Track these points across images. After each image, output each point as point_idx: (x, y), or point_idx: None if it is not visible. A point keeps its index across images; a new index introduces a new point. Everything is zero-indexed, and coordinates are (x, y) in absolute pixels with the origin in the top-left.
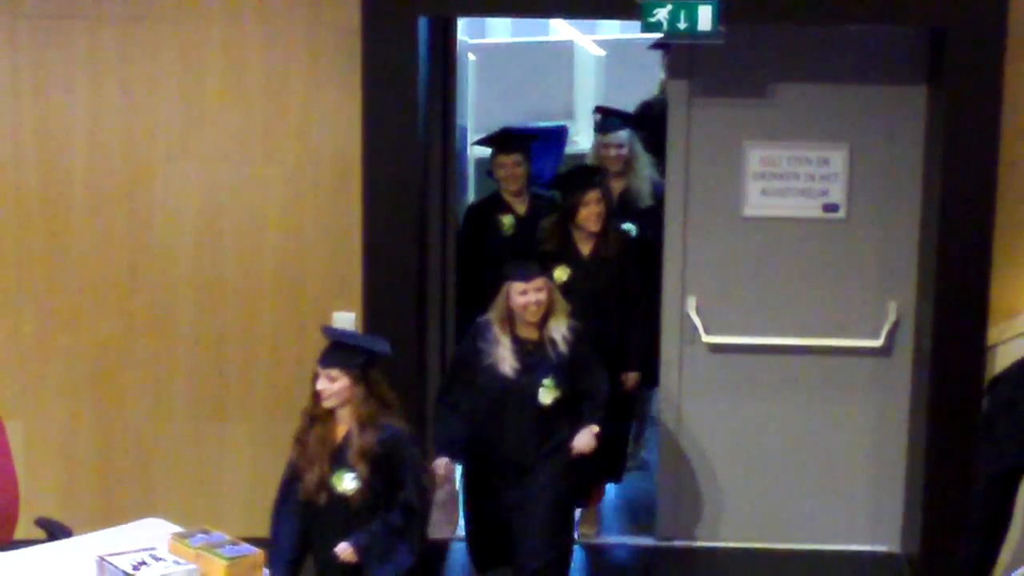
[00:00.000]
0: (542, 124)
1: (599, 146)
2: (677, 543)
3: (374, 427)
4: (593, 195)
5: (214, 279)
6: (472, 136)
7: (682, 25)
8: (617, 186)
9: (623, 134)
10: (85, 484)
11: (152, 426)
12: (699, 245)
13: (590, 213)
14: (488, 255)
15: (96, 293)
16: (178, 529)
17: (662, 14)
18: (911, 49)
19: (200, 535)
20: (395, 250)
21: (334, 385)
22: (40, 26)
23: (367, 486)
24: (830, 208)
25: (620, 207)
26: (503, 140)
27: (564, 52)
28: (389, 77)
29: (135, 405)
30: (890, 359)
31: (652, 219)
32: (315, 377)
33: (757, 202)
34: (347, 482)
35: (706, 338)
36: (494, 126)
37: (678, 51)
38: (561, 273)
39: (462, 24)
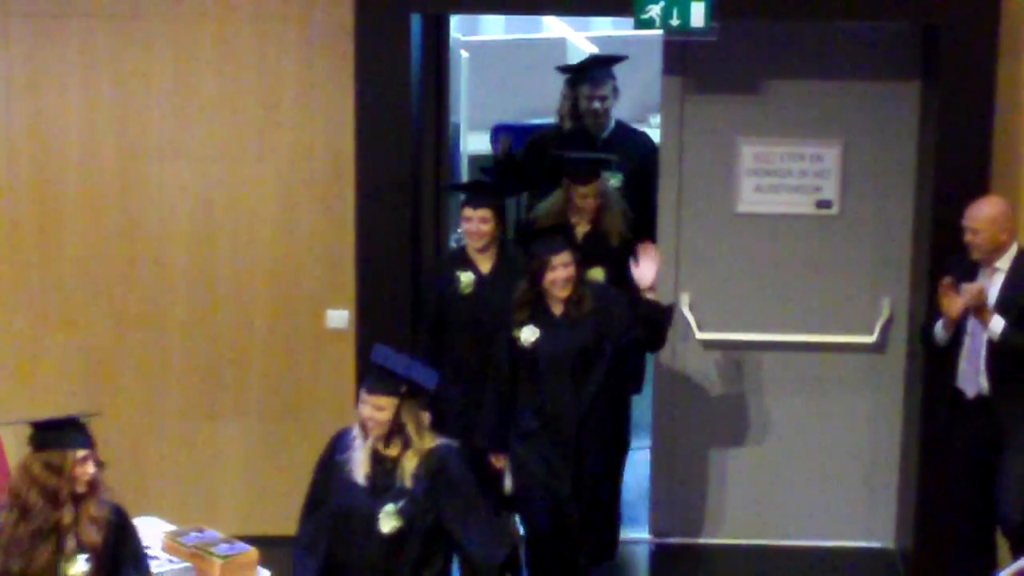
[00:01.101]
0: (535, 121)
1: (573, 195)
2: (671, 540)
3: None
4: (560, 259)
5: (207, 277)
6: (465, 133)
7: (675, 21)
8: (583, 228)
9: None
10: None
11: (146, 425)
12: (692, 241)
13: (556, 278)
14: (445, 316)
15: (89, 291)
16: (172, 528)
17: (655, 10)
18: (904, 45)
19: (194, 534)
20: (388, 248)
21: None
22: (33, 24)
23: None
24: (823, 204)
25: (589, 249)
26: (474, 192)
27: (557, 49)
28: (382, 74)
29: (129, 404)
30: (883, 355)
31: (622, 257)
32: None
33: (750, 198)
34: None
35: (699, 335)
36: (487, 123)
37: (671, 47)
38: (530, 334)
39: (455, 21)
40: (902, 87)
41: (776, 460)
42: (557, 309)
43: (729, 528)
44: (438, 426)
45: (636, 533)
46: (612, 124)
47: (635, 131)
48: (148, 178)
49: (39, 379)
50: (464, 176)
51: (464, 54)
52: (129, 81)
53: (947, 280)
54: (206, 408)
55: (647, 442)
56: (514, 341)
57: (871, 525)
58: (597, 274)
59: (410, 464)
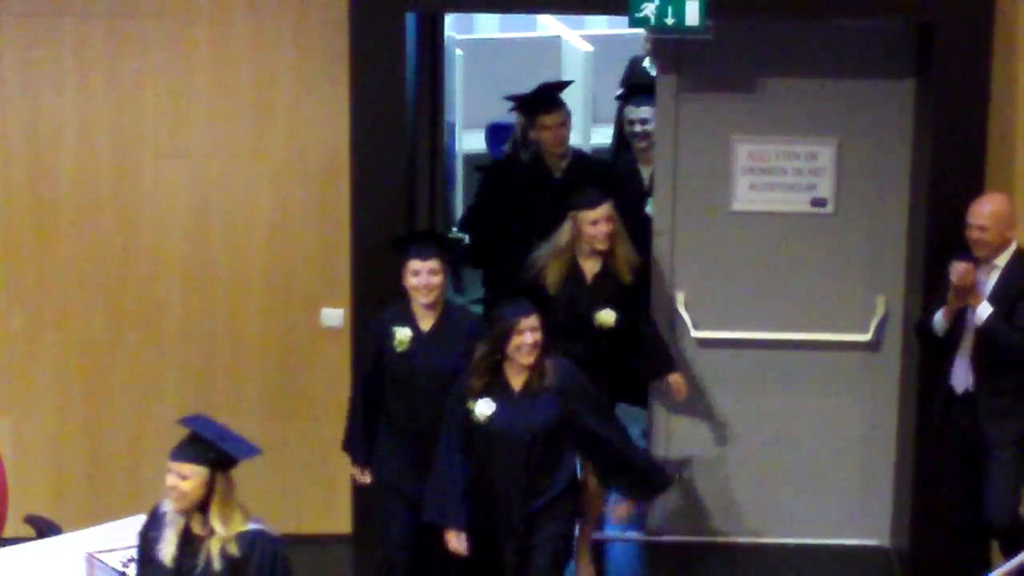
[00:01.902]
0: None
1: (582, 223)
2: (666, 538)
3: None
4: (528, 322)
5: (203, 276)
6: (460, 132)
7: (669, 20)
8: (592, 267)
9: (608, 205)
10: (74, 481)
11: (141, 423)
12: (687, 240)
13: (523, 343)
14: (383, 373)
15: (85, 290)
16: None
17: (649, 9)
18: (899, 44)
19: None
20: (384, 246)
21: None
22: (27, 23)
23: None
24: (818, 203)
25: (599, 290)
26: (420, 241)
27: (552, 47)
28: (377, 73)
29: (124, 402)
30: (878, 353)
31: (634, 297)
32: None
33: (745, 197)
34: None
35: (695, 333)
36: (482, 121)
37: (664, 46)
38: (485, 408)
39: (450, 19)
40: (897, 85)
41: (771, 458)
42: (517, 382)
43: (724, 526)
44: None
45: (630, 532)
46: (569, 154)
47: (593, 160)
48: (143, 177)
49: (36, 377)
50: (459, 175)
51: (459, 52)
52: (124, 81)
53: (963, 265)
54: (201, 407)
55: (640, 443)
56: (467, 412)
57: (866, 523)
58: (608, 317)
59: (215, 547)
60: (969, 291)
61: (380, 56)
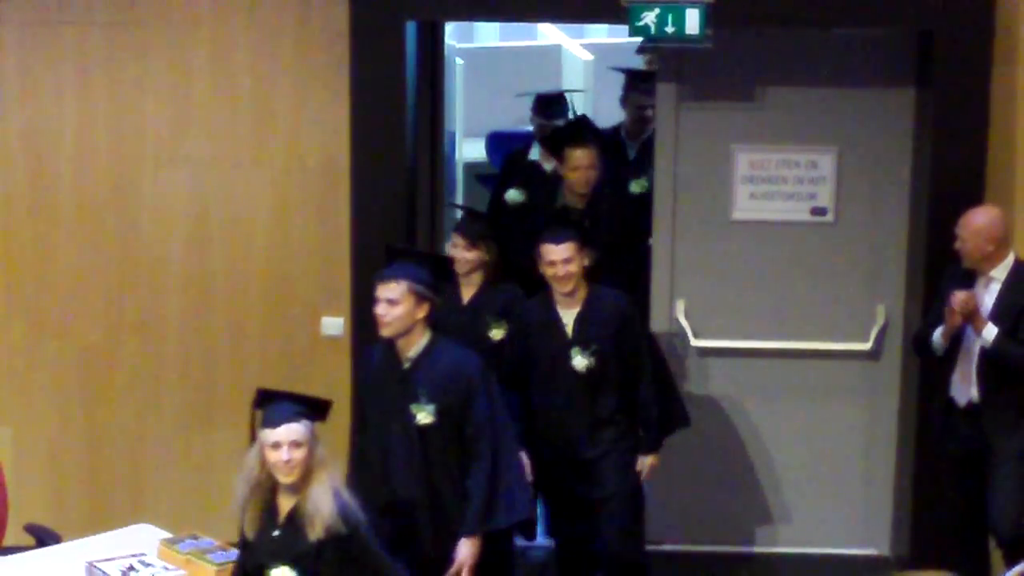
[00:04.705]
0: (530, 128)
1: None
2: (666, 547)
3: None
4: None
5: (202, 284)
6: (461, 141)
7: (670, 29)
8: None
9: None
10: (74, 490)
11: (141, 431)
12: (687, 249)
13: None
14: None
15: (84, 298)
16: (167, 535)
17: (650, 18)
18: (899, 52)
19: (189, 541)
20: (383, 254)
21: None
22: (27, 31)
23: None
24: (818, 211)
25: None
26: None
27: (552, 56)
28: (377, 81)
29: (124, 411)
30: (878, 362)
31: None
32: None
33: (745, 206)
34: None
35: (695, 342)
36: (482, 130)
37: (666, 54)
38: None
39: (450, 28)
40: (897, 94)
41: (771, 467)
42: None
43: (724, 535)
44: None
45: None
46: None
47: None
48: (143, 185)
49: (35, 385)
50: (459, 184)
51: (459, 61)
52: (124, 88)
53: (964, 294)
54: (201, 415)
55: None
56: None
57: (867, 532)
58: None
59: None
60: (972, 317)
61: (380, 64)
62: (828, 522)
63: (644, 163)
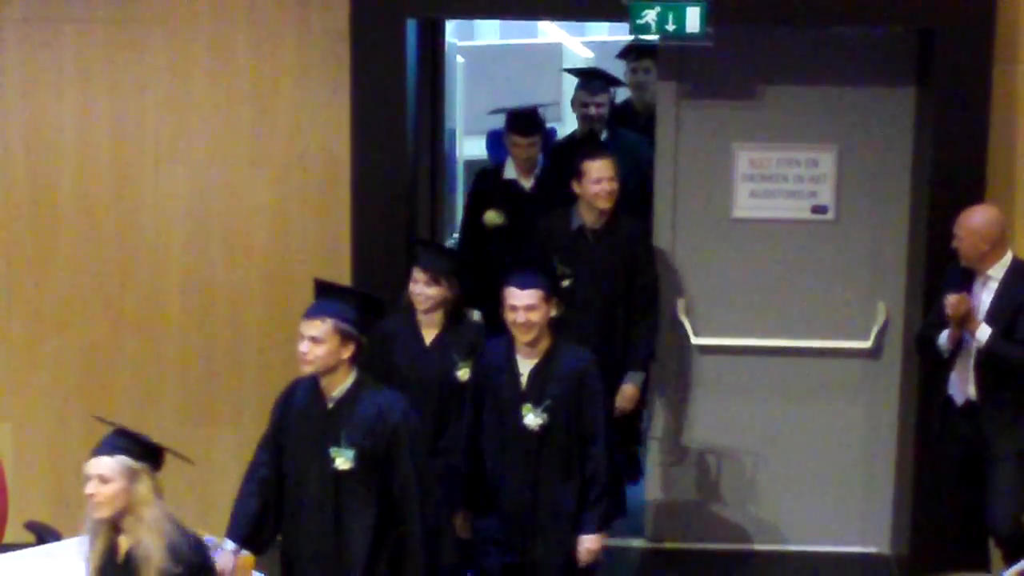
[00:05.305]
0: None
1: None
2: (667, 544)
3: None
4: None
5: (203, 282)
6: (461, 139)
7: (670, 27)
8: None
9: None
10: (74, 487)
11: (141, 428)
12: (688, 247)
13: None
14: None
15: (85, 296)
16: None
17: (650, 16)
18: (900, 51)
19: None
20: (384, 253)
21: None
22: (28, 29)
23: None
24: (819, 210)
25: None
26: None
27: (552, 54)
28: (378, 79)
29: (124, 408)
30: (879, 361)
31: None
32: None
33: (746, 204)
34: None
35: (695, 340)
36: (483, 128)
37: (667, 53)
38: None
39: (450, 26)
40: (898, 92)
41: (771, 465)
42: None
43: (725, 533)
44: None
45: (632, 538)
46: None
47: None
48: (143, 183)
49: (35, 383)
50: (459, 182)
51: (460, 59)
52: (124, 86)
53: (955, 297)
54: (201, 413)
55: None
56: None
57: (867, 530)
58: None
59: None
60: (966, 319)
61: (381, 62)
62: (828, 520)
63: None
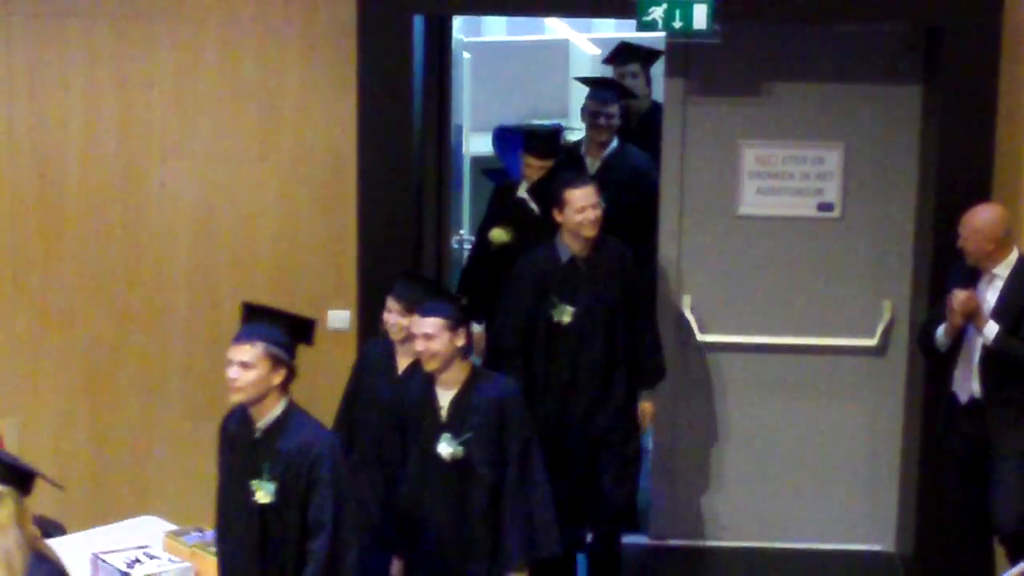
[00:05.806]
0: (537, 123)
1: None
2: (671, 542)
3: None
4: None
5: (209, 277)
6: (467, 135)
7: (677, 24)
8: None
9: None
10: (79, 482)
11: (147, 424)
12: (694, 244)
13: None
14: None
15: (91, 291)
16: (172, 527)
17: (657, 12)
18: (906, 48)
19: (195, 533)
20: (390, 249)
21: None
22: (35, 24)
23: None
24: (825, 207)
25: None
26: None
27: (559, 50)
28: (384, 75)
29: (130, 403)
30: (885, 358)
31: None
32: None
33: (752, 201)
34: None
35: (701, 337)
36: (489, 124)
37: (674, 49)
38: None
39: (457, 22)
40: (904, 90)
41: (776, 463)
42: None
43: (729, 531)
44: None
45: (635, 536)
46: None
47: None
48: (150, 178)
49: (41, 378)
50: (466, 178)
51: (467, 55)
52: (131, 81)
53: (964, 293)
54: (207, 407)
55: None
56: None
57: (871, 528)
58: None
59: None
60: (973, 315)
61: (387, 59)
62: (832, 518)
63: (604, 182)
